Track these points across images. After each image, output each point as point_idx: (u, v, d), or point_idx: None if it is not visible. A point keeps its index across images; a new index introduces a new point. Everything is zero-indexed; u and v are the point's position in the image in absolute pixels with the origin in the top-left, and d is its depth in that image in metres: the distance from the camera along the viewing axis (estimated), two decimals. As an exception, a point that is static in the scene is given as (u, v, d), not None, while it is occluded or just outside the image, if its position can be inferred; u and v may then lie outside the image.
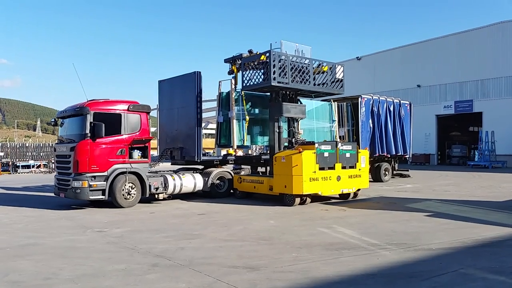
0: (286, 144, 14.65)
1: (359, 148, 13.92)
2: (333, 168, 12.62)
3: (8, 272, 5.92)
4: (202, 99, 14.42)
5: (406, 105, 22.01)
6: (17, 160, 34.56)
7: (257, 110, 15.38)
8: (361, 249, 7.01)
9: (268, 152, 15.14)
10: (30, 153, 36.22)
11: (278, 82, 13.32)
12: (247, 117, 14.91)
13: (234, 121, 14.65)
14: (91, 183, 11.76)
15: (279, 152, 13.32)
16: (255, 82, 13.86)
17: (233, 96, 14.74)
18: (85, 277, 5.65)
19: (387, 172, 20.56)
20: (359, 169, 13.33)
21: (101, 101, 12.46)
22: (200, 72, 14.20)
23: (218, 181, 14.51)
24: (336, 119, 18.92)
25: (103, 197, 11.97)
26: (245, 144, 15.13)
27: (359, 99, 19.48)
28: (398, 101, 21.50)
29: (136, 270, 5.96)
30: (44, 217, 10.90)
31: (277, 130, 14.10)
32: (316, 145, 12.39)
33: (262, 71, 13.66)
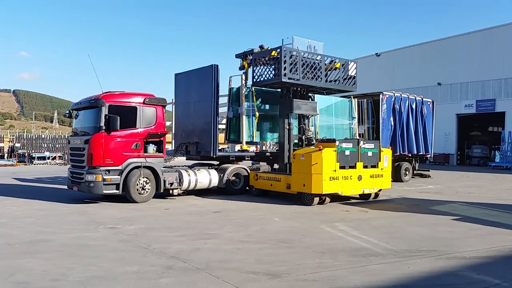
0: (296, 141, 14.45)
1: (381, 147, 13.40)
2: (354, 167, 12.11)
3: (14, 272, 5.59)
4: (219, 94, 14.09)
5: (428, 103, 21.30)
6: (33, 151, 34.69)
7: (267, 106, 15.13)
8: (389, 256, 6.52)
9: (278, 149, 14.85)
10: (46, 145, 36.28)
11: (289, 78, 13.12)
12: (257, 113, 14.66)
13: (244, 117, 14.40)
14: (105, 177, 11.47)
15: (298, 149, 12.89)
16: (265, 78, 13.69)
17: (243, 91, 14.51)
18: (95, 280, 5.30)
19: (407, 172, 19.94)
20: (381, 169, 12.80)
21: (116, 93, 12.14)
22: (217, 65, 13.80)
23: (233, 178, 14.13)
24: (356, 116, 18.36)
25: (117, 191, 11.67)
26: (254, 140, 14.98)
27: (380, 96, 18.86)
28: (420, 98, 20.81)
29: (149, 273, 5.59)
30: (56, 211, 10.64)
31: (287, 127, 13.86)
32: (337, 142, 11.89)
33: (273, 67, 13.48)
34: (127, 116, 11.88)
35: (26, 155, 33.59)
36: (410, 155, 20.07)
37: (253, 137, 14.63)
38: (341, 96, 18.14)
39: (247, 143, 14.87)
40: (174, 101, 16.05)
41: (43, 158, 33.67)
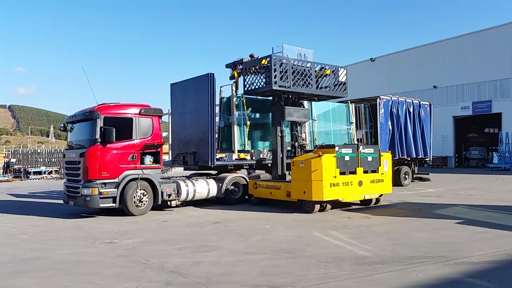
0: (289, 148, 14.46)
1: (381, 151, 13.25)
2: (354, 172, 11.95)
3: (8, 292, 5.39)
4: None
5: (426, 106, 21.23)
6: (29, 166, 34.36)
7: (258, 115, 15.10)
8: (395, 263, 6.33)
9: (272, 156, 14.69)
10: (42, 159, 35.98)
11: (280, 86, 13.13)
12: (248, 122, 14.65)
13: (235, 126, 14.39)
14: (101, 191, 11.24)
15: (297, 156, 12.73)
16: (256, 87, 13.66)
17: (234, 101, 14.49)
18: (91, 298, 5.09)
19: (407, 176, 19.77)
20: (382, 174, 12.64)
21: (111, 105, 11.97)
22: (213, 74, 13.68)
23: (232, 187, 13.93)
24: (354, 121, 18.26)
25: (114, 204, 11.44)
26: (246, 149, 14.95)
27: (378, 100, 18.76)
28: (417, 101, 20.74)
29: (148, 289, 5.38)
30: (51, 226, 10.40)
31: (280, 134, 13.85)
32: (337, 148, 11.74)
33: (263, 75, 13.46)
34: (123, 127, 11.68)
35: (22, 170, 33.24)
36: (409, 159, 19.94)
37: (244, 145, 14.62)
38: (339, 102, 18.04)
39: (239, 151, 14.83)
40: (170, 111, 15.90)
41: (39, 173, 33.31)
